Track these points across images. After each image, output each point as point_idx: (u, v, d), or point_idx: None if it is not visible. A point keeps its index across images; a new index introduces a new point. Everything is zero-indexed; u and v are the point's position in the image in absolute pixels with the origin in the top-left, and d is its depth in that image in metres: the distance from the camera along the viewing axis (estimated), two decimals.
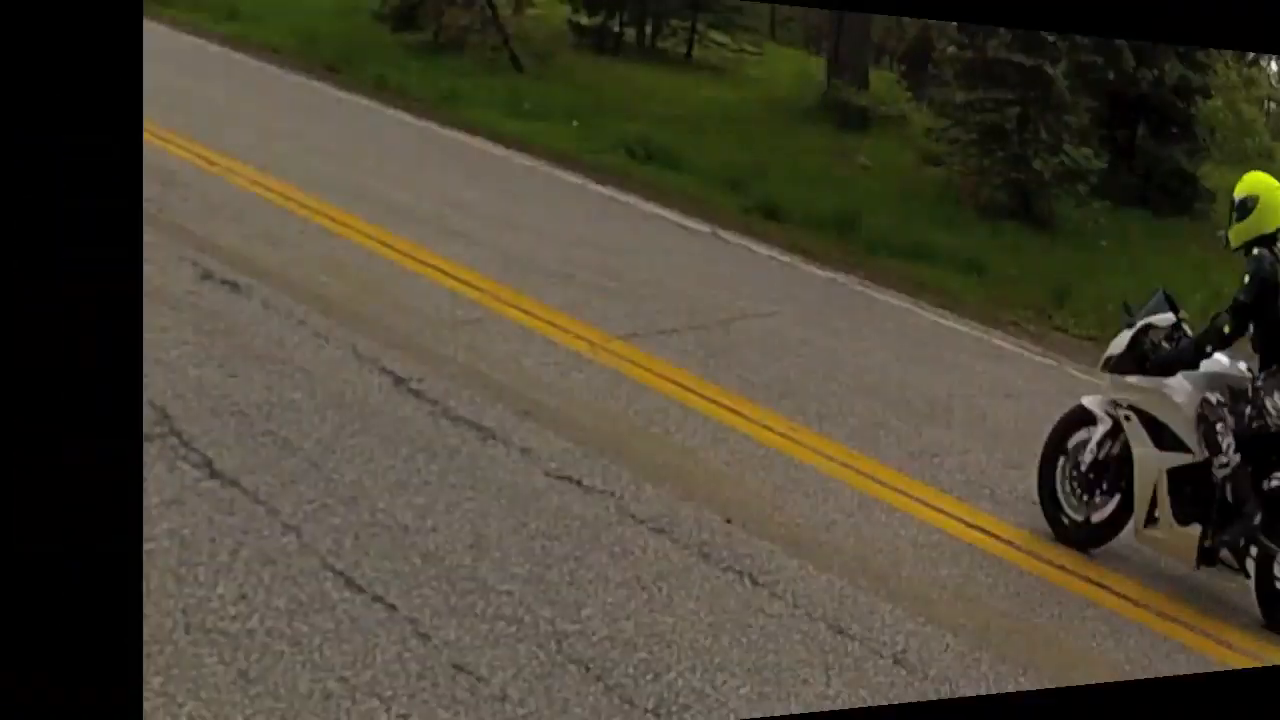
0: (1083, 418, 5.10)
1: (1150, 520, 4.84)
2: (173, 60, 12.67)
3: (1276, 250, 4.71)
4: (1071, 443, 5.12)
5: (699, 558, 3.99)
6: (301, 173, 8.07)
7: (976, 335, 7.79)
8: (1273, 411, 4.65)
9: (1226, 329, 4.72)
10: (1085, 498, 5.04)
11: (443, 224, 7.50)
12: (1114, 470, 4.95)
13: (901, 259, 9.53)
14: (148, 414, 4.19)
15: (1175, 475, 4.78)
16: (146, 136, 8.36)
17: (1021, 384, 6.88)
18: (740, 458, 4.90)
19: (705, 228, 9.25)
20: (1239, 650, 4.41)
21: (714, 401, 5.40)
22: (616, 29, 21.88)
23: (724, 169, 11.58)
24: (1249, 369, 4.86)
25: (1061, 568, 4.66)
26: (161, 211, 6.63)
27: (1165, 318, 4.99)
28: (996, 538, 4.74)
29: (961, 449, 5.54)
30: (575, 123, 12.97)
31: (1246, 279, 4.71)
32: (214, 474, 3.86)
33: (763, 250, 8.90)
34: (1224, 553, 4.78)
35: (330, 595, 3.33)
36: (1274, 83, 20.37)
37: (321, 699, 2.95)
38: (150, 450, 3.94)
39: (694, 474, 4.64)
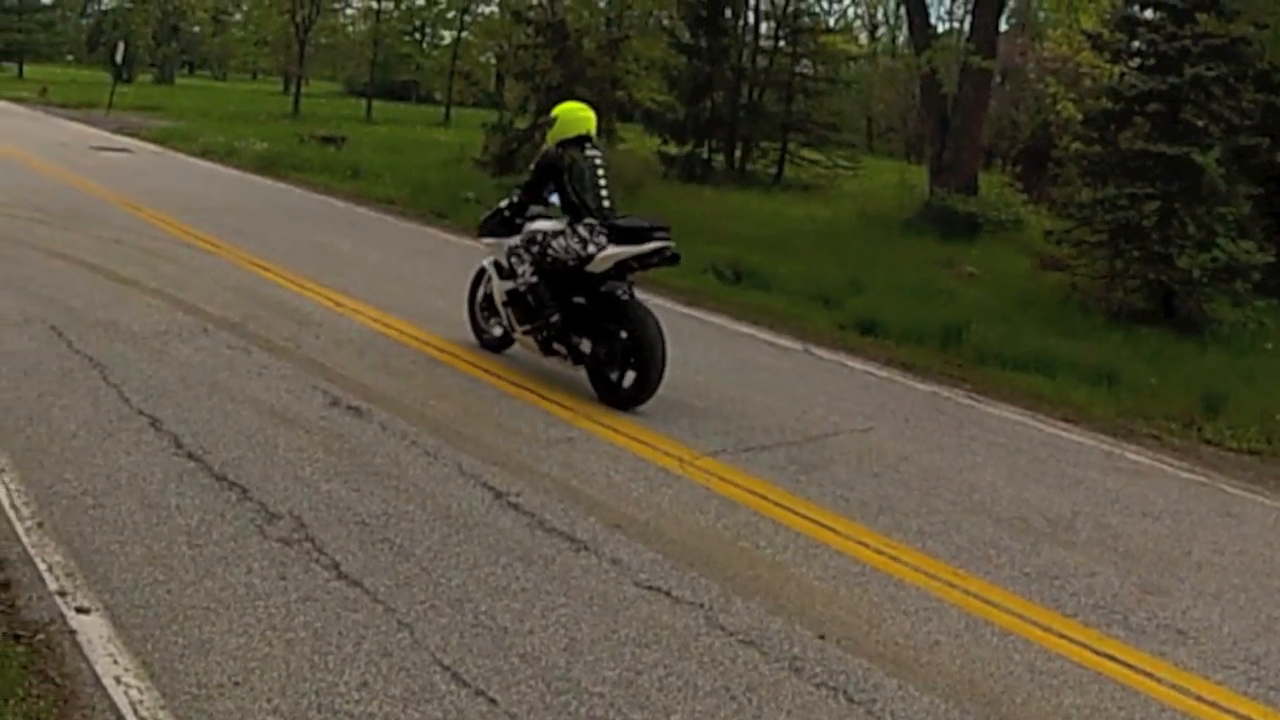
0: (483, 270, 7.64)
1: (515, 327, 7.24)
2: (308, 217, 13.92)
3: (569, 150, 6.91)
4: (478, 287, 7.70)
5: (790, 672, 3.85)
6: (413, 309, 8.62)
7: (1106, 449, 7.07)
8: (559, 251, 6.85)
9: (515, 199, 7.26)
10: (488, 321, 7.64)
11: None
12: (493, 300, 7.44)
13: (1015, 370, 8.85)
14: (287, 522, 4.60)
15: (510, 295, 7.21)
16: (285, 283, 9.24)
17: (1162, 502, 6.11)
18: (834, 574, 4.68)
19: (797, 345, 9.08)
20: None
21: (805, 517, 5.24)
22: (705, 156, 22.22)
23: (816, 286, 11.26)
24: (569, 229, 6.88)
25: (1214, 704, 3.97)
26: (298, 347, 7.27)
27: (505, 200, 7.41)
28: (1131, 667, 4.17)
29: (1088, 571, 5.01)
30: None
31: (533, 166, 7.20)
32: (341, 575, 4.19)
33: (858, 365, 8.63)
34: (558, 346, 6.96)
35: (439, 687, 3.51)
36: None
37: None
38: (289, 554, 4.34)
39: (785, 589, 4.49)
